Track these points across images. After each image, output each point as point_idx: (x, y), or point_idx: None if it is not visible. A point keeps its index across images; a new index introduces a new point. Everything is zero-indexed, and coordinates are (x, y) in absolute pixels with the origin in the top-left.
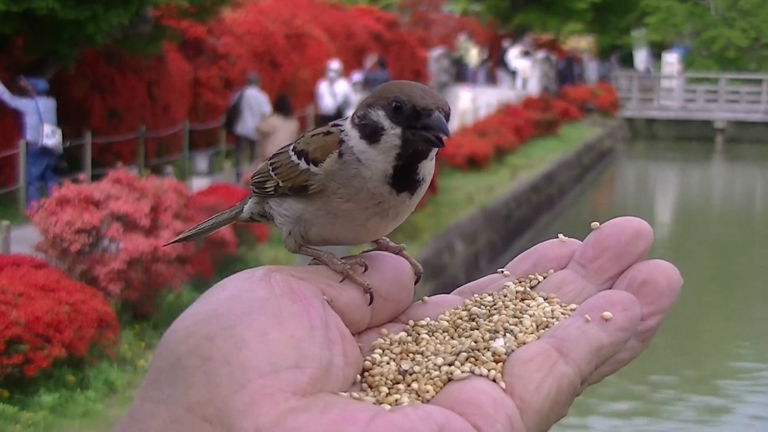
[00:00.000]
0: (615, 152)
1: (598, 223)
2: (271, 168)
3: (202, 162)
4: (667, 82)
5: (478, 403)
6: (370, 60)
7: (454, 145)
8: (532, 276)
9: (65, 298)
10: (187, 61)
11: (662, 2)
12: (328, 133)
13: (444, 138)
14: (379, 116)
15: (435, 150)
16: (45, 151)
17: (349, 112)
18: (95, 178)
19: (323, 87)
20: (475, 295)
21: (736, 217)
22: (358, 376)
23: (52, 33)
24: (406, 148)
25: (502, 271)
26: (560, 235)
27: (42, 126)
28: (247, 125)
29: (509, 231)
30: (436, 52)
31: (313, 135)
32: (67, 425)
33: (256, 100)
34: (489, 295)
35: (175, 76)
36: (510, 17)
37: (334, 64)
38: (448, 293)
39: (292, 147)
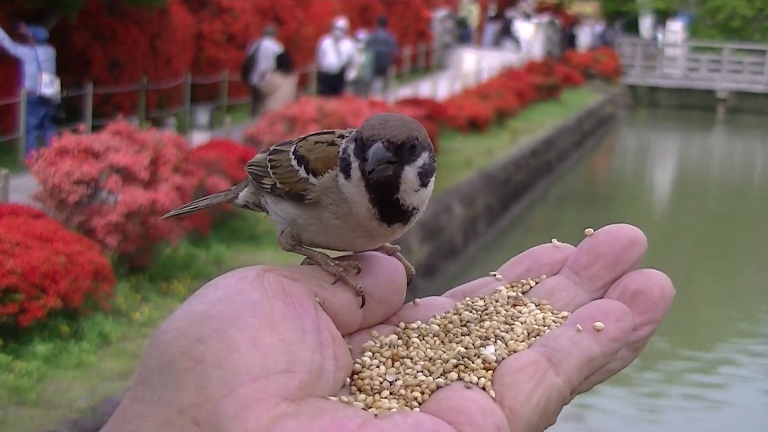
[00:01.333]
0: (616, 119)
1: (591, 230)
2: (269, 165)
3: (203, 116)
4: (671, 50)
5: (467, 411)
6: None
7: (456, 107)
8: (525, 281)
9: (62, 249)
10: (191, 14)
11: None
12: (332, 144)
13: (371, 171)
14: (350, 151)
15: (420, 179)
16: (43, 100)
17: (352, 73)
18: (95, 129)
19: (327, 44)
20: (467, 299)
21: (734, 187)
22: (348, 379)
23: None
24: (367, 180)
25: (495, 275)
26: (554, 240)
27: (40, 75)
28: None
29: (507, 195)
30: (440, 13)
31: (316, 142)
32: (60, 375)
33: (272, 52)
34: (481, 299)
35: (177, 28)
36: None
37: (341, 22)
38: (440, 295)
39: (293, 149)
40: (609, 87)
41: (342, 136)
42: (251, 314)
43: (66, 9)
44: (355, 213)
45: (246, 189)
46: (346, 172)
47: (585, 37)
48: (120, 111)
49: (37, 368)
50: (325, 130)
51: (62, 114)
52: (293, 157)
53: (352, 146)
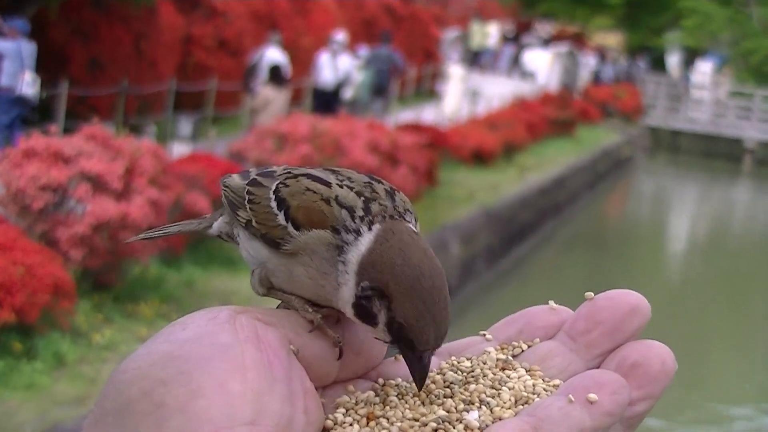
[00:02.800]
0: (633, 162)
1: (592, 294)
2: (247, 198)
3: (186, 126)
4: (698, 92)
5: None
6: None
7: (461, 137)
8: (516, 343)
9: (21, 259)
10: (181, 14)
11: (701, 5)
12: (327, 202)
13: (422, 377)
14: (380, 317)
15: None
16: (20, 100)
17: (348, 91)
18: (67, 131)
19: (324, 59)
20: (453, 358)
21: (756, 245)
22: None
23: None
24: (387, 342)
25: (485, 334)
26: (551, 302)
27: (23, 73)
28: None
29: (511, 235)
30: (451, 34)
31: (307, 189)
32: (9, 396)
33: (277, 62)
34: (468, 359)
35: (166, 30)
36: (535, 3)
37: (339, 36)
38: None
39: (275, 186)
40: (628, 127)
41: (341, 204)
42: (220, 358)
43: None
44: (331, 294)
45: (221, 218)
46: (364, 319)
47: (609, 69)
48: (96, 114)
49: None
50: (321, 175)
51: (36, 116)
52: (273, 197)
53: (382, 312)
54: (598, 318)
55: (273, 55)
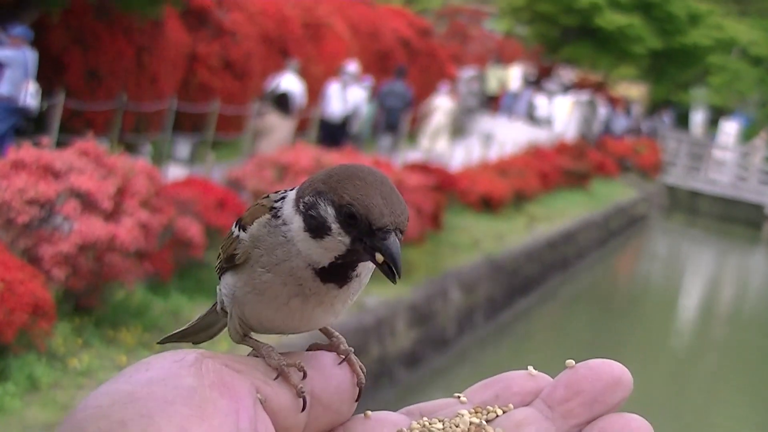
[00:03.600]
0: (648, 220)
1: (573, 362)
2: (221, 246)
3: (183, 148)
4: (721, 153)
5: None
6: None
7: (469, 181)
8: (491, 408)
9: (1, 275)
10: (188, 31)
11: (730, 62)
12: (264, 197)
13: (397, 266)
14: (328, 216)
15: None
16: (20, 110)
17: (355, 125)
18: (60, 145)
19: (334, 89)
20: (425, 419)
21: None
22: None
23: None
24: (350, 255)
25: (459, 396)
26: (530, 368)
27: (26, 82)
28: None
29: (514, 287)
30: (467, 72)
31: (256, 204)
32: None
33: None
34: (440, 421)
35: (170, 45)
36: (558, 48)
37: (351, 66)
38: (395, 410)
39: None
40: (645, 183)
41: (276, 191)
42: (183, 402)
43: (48, 3)
44: (293, 256)
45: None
46: (317, 232)
47: (621, 120)
48: (91, 128)
49: None
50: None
51: (30, 127)
52: (235, 224)
53: (329, 210)
54: (578, 387)
55: (290, 82)
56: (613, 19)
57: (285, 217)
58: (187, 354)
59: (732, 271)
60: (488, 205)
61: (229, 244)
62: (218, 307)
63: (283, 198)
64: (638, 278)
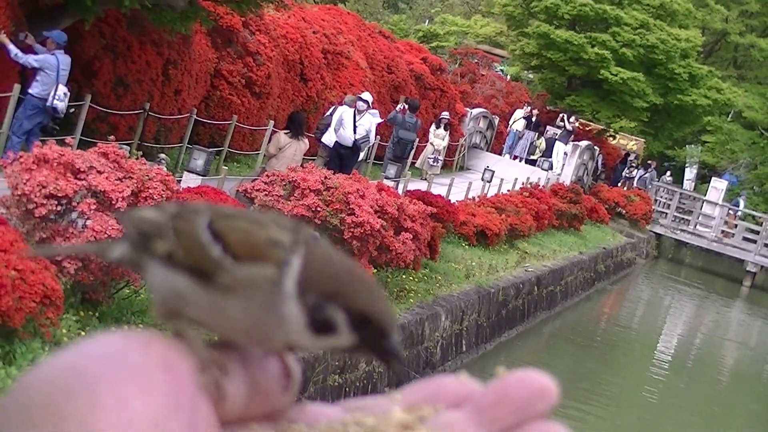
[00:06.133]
0: (635, 267)
1: (503, 369)
2: (172, 229)
3: (199, 159)
4: (709, 208)
5: None
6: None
7: (467, 214)
8: (424, 408)
9: (15, 263)
10: (213, 49)
11: (725, 124)
12: (271, 244)
13: (399, 364)
14: (338, 321)
15: None
16: (48, 110)
17: (364, 150)
18: (82, 145)
19: (347, 114)
20: (359, 414)
21: (742, 370)
22: None
23: None
24: (352, 350)
25: (395, 395)
26: (461, 375)
27: (56, 85)
28: (329, 137)
29: (500, 319)
30: (475, 111)
31: (244, 228)
32: None
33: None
34: (373, 417)
35: (196, 60)
36: (562, 95)
37: (366, 95)
38: (330, 403)
39: (206, 223)
40: (635, 231)
41: (276, 241)
42: (127, 378)
43: (83, 12)
44: (273, 333)
45: (122, 246)
46: (322, 331)
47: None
48: (114, 133)
49: None
50: (253, 215)
51: (56, 128)
52: (207, 231)
53: (340, 317)
54: (505, 393)
55: (347, 113)
56: (617, 73)
57: (285, 293)
58: (136, 334)
59: (710, 321)
60: (483, 238)
61: (202, 258)
62: (115, 257)
63: (286, 263)
64: (620, 321)
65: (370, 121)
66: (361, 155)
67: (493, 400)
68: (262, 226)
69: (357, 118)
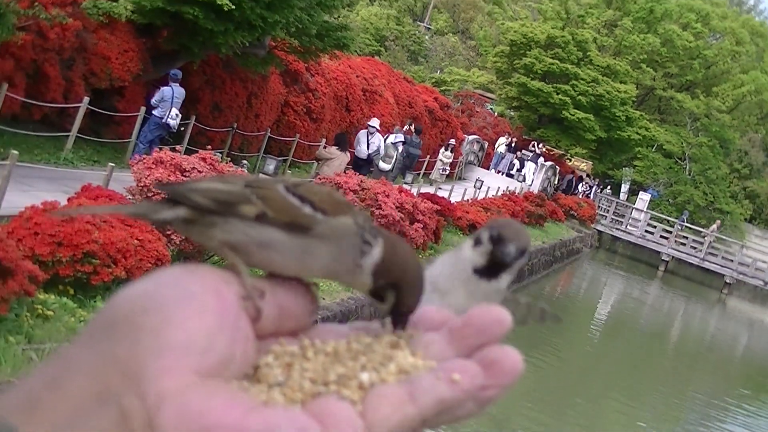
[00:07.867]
0: (582, 254)
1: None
2: (255, 195)
3: (271, 164)
4: (637, 213)
5: (335, 417)
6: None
7: (462, 211)
8: (408, 330)
9: (137, 234)
10: (284, 85)
11: (651, 153)
12: (346, 204)
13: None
14: (388, 300)
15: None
16: (165, 126)
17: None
18: (188, 152)
19: (361, 135)
20: (360, 333)
21: (655, 329)
22: (251, 371)
23: (191, 34)
24: (381, 309)
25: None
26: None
27: (170, 108)
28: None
29: None
30: (471, 137)
31: (322, 192)
32: None
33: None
34: (370, 336)
35: (271, 93)
36: (534, 128)
37: (374, 121)
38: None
39: (282, 188)
40: (583, 228)
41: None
42: (188, 301)
43: (192, 56)
44: (343, 267)
45: (174, 209)
46: (376, 297)
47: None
48: (210, 144)
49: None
50: (322, 189)
51: (170, 139)
52: (289, 194)
53: (390, 294)
54: (471, 321)
55: (361, 135)
56: (574, 114)
57: (364, 263)
58: (197, 267)
59: (633, 295)
60: (474, 229)
61: (297, 216)
62: (168, 219)
63: (368, 243)
64: (570, 293)
65: (380, 139)
66: (386, 167)
67: (461, 326)
68: (331, 193)
69: (369, 138)
